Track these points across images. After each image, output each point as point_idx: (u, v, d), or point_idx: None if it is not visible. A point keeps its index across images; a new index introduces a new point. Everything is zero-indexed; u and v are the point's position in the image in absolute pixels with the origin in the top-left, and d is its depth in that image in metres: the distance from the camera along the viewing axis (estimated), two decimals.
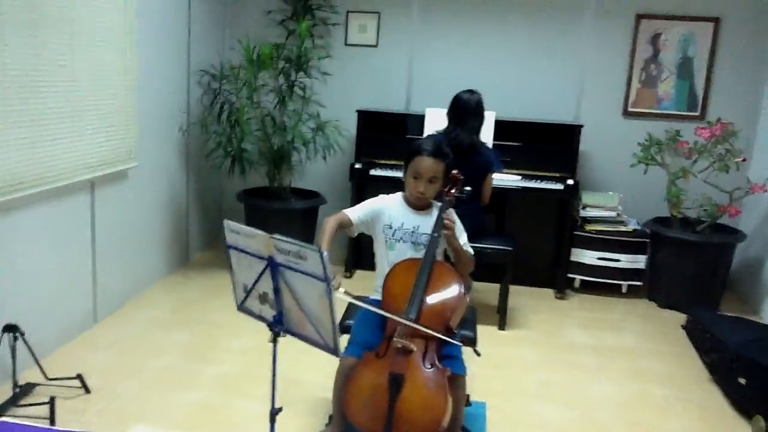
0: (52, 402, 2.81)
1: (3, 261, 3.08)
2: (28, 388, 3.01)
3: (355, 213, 2.76)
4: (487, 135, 4.66)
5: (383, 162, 4.84)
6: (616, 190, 4.99)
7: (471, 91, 4.05)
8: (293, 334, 2.04)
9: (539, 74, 5.12)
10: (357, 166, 4.79)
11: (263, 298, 2.07)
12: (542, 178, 4.66)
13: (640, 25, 4.91)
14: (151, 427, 2.82)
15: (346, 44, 5.26)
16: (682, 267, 4.55)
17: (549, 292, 4.85)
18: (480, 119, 4.04)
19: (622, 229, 4.76)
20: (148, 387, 3.18)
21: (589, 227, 4.79)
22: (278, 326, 2.02)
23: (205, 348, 3.65)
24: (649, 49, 4.95)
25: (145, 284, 4.40)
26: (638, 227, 4.82)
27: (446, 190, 2.78)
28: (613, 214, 4.77)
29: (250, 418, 2.95)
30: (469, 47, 5.16)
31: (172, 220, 4.74)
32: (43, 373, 3.03)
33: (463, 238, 2.79)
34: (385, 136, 4.95)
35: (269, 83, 4.71)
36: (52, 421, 2.78)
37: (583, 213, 4.83)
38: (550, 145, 4.81)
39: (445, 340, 2.50)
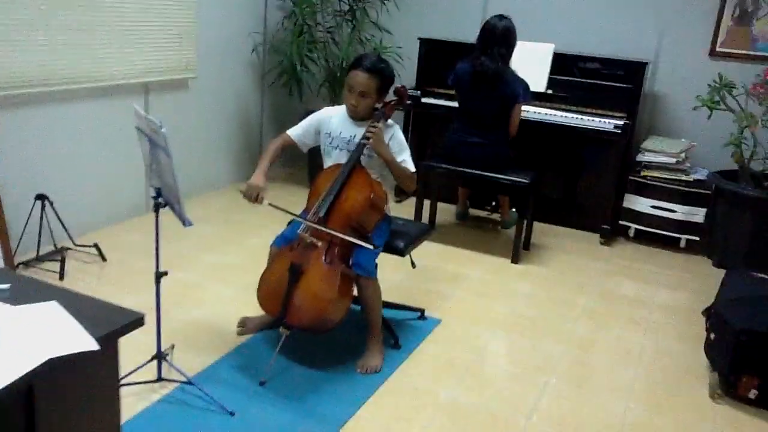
0: (62, 260, 3.40)
1: (60, 144, 3.71)
2: (60, 251, 3.61)
3: (295, 130, 2.95)
4: (542, 68, 4.52)
5: (440, 91, 4.85)
6: (695, 137, 4.57)
7: (501, 17, 3.95)
8: (169, 206, 2.31)
9: (618, 7, 4.77)
10: (409, 92, 4.85)
11: (155, 174, 2.36)
12: (599, 117, 4.42)
13: None
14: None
15: None
16: (739, 224, 4.13)
17: (597, 237, 4.64)
18: (508, 46, 3.94)
19: (682, 177, 4.39)
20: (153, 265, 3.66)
21: (645, 173, 4.48)
22: (158, 198, 2.30)
23: (221, 241, 4.08)
24: None
25: (205, 188, 4.90)
26: (703, 178, 4.41)
27: (387, 101, 2.86)
28: (673, 160, 4.40)
29: (219, 298, 3.33)
30: None
31: (240, 134, 5.19)
32: (71, 239, 3.63)
33: (402, 155, 2.85)
34: (446, 65, 4.94)
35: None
36: (62, 276, 3.36)
37: (640, 157, 4.51)
38: (611, 82, 4.52)
39: (349, 241, 2.63)
